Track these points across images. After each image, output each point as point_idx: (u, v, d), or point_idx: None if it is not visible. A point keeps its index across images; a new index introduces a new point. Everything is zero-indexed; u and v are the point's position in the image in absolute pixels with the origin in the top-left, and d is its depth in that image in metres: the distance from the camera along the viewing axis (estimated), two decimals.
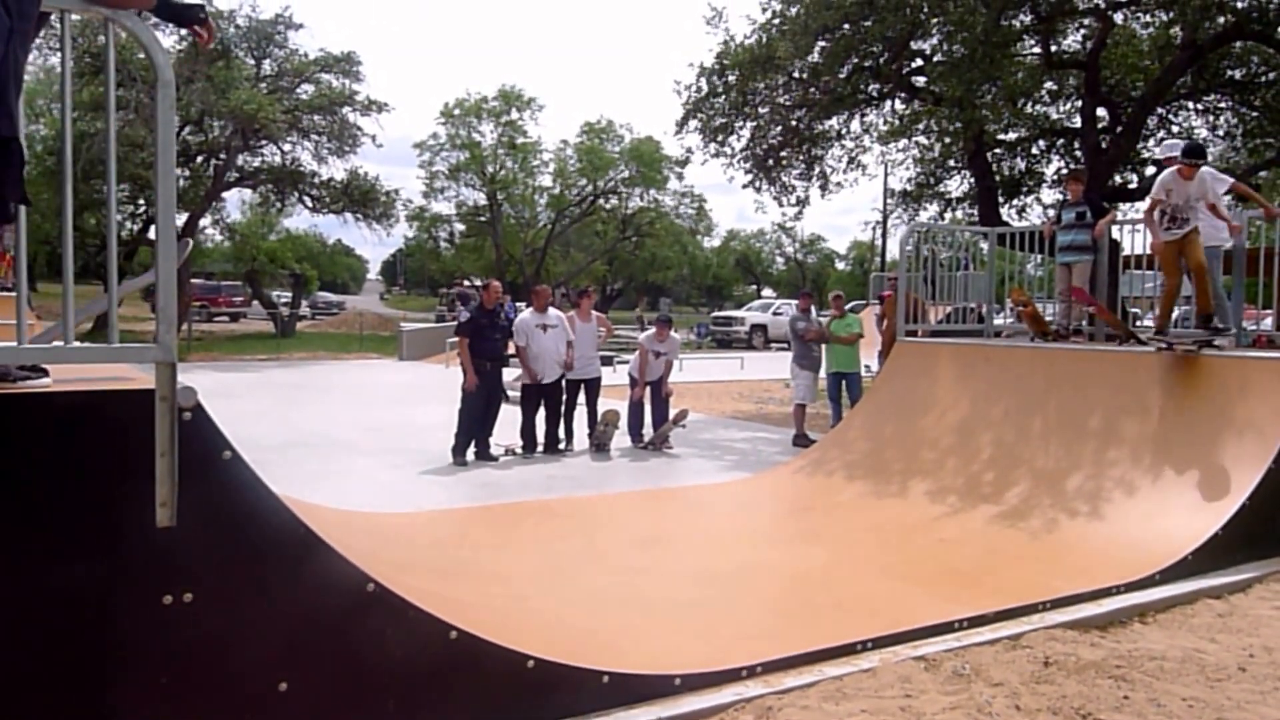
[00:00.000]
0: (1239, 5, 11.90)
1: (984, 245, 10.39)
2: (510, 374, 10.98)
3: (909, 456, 7.68)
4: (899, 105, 16.35)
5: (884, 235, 38.00)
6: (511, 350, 10.25)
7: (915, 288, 9.39)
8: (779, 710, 3.62)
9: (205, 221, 30.95)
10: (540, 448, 9.93)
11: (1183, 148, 7.63)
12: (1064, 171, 13.66)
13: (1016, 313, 9.98)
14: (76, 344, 2.90)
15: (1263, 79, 14.70)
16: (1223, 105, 15.61)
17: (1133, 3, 13.61)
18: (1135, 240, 9.18)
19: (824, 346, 11.42)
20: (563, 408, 10.15)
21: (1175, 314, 11.01)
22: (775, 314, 33.49)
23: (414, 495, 7.76)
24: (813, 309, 11.69)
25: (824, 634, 4.24)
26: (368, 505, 6.96)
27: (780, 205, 17.65)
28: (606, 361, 13.94)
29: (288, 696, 2.96)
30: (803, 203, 17.39)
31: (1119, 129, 14.54)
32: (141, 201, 27.72)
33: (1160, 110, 15.44)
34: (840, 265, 71.96)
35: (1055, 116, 16.37)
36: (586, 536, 6.55)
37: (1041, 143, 16.64)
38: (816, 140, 16.65)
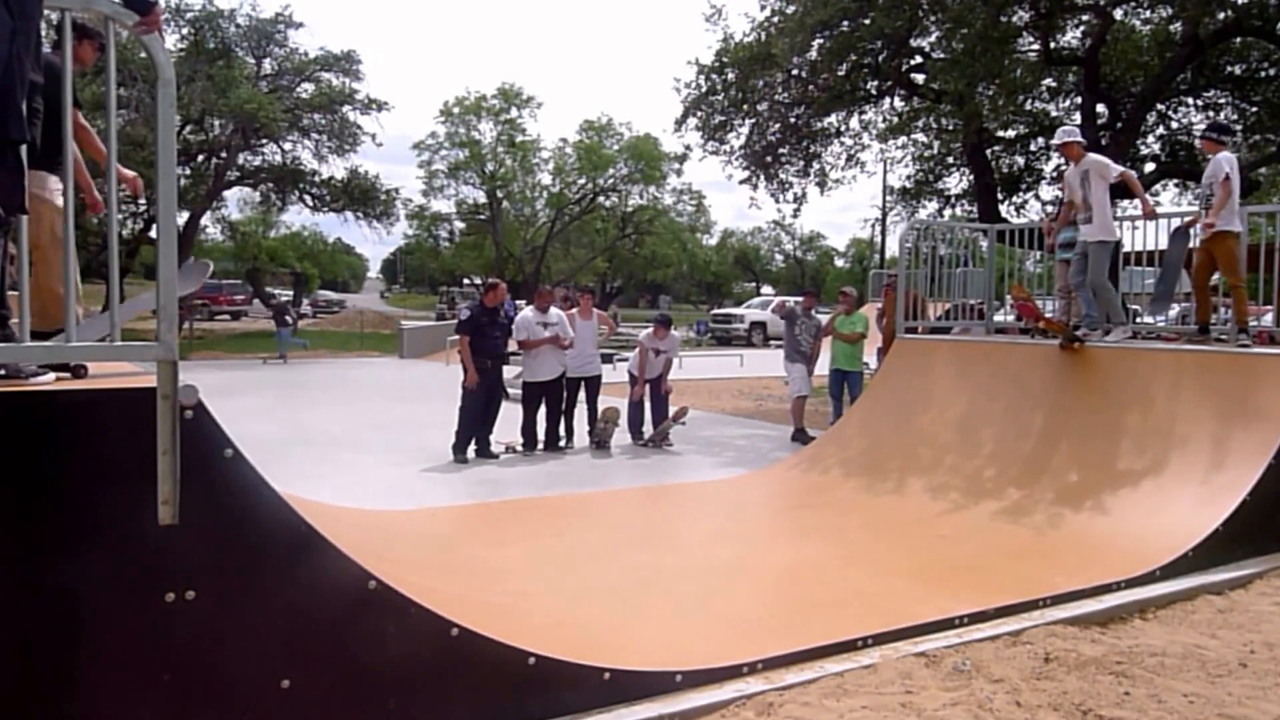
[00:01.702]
0: (1239, 1, 11.90)
1: (983, 242, 10.40)
2: (510, 371, 10.98)
3: (908, 453, 7.68)
4: (898, 102, 16.36)
5: (883, 232, 38.00)
6: (513, 347, 10.26)
7: (915, 284, 9.39)
8: (780, 706, 3.63)
9: (206, 220, 31.02)
10: (541, 445, 9.94)
11: (1208, 124, 7.70)
12: (1063, 168, 13.66)
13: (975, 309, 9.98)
14: (78, 342, 2.91)
15: (1262, 74, 14.70)
16: (1222, 101, 15.60)
17: None
18: (1135, 237, 9.18)
19: (828, 342, 11.40)
20: (563, 405, 10.16)
21: (1175, 311, 11.07)
22: (774, 311, 33.49)
23: (415, 493, 7.76)
24: (813, 310, 11.63)
25: (824, 630, 4.24)
26: (369, 503, 6.97)
27: (778, 202, 17.68)
28: (606, 359, 13.93)
29: (290, 694, 2.97)
30: (800, 200, 17.41)
31: (1119, 125, 14.55)
32: (143, 201, 27.71)
33: (1160, 106, 15.45)
34: (839, 262, 71.97)
35: (1054, 113, 16.38)
36: (587, 533, 6.55)
37: (1040, 139, 16.64)
38: (815, 137, 16.66)
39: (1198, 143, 7.93)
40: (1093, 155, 7.98)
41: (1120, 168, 7.85)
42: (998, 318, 10.21)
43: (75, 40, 3.77)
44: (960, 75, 12.45)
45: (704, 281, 71.60)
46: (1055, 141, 8.32)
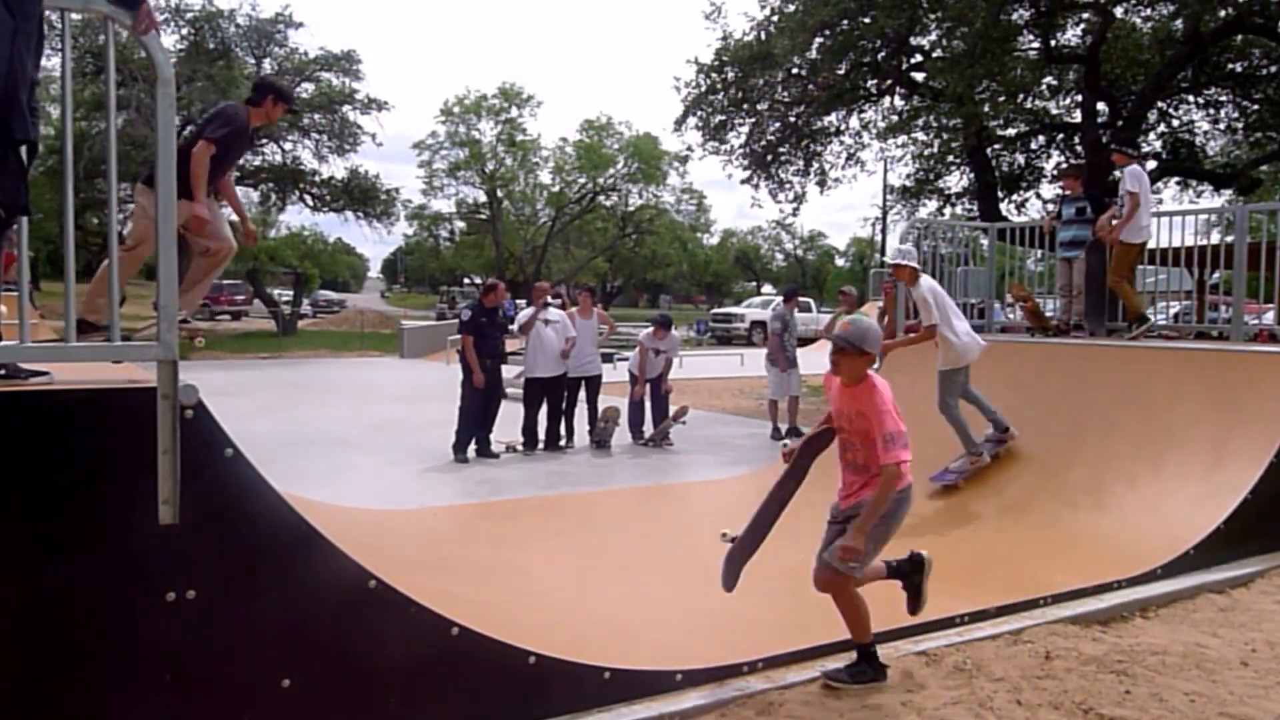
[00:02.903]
0: None
1: (984, 241, 10.39)
2: (510, 371, 10.98)
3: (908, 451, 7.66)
4: (898, 101, 16.34)
5: (884, 231, 37.98)
6: (512, 347, 10.24)
7: None
8: (780, 705, 3.63)
9: None
10: (541, 445, 9.94)
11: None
12: (1063, 166, 13.66)
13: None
14: (79, 342, 2.91)
15: (1263, 72, 14.68)
16: (1223, 99, 15.58)
17: None
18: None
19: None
20: (564, 405, 10.16)
21: (1177, 309, 11.05)
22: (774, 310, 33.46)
23: (415, 492, 7.76)
24: (795, 310, 11.68)
25: (825, 629, 4.23)
26: (369, 502, 6.97)
27: (778, 201, 17.67)
28: (607, 359, 13.92)
29: (290, 693, 2.96)
30: (800, 199, 17.39)
31: (1119, 123, 14.52)
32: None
33: (1160, 104, 15.43)
34: (840, 261, 71.92)
35: (1055, 111, 16.36)
36: (587, 533, 6.55)
37: (1041, 138, 16.63)
38: (815, 136, 16.65)
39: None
40: (925, 283, 7.00)
41: (936, 320, 6.86)
42: (998, 316, 10.22)
43: (271, 101, 4.97)
44: (960, 77, 12.44)
45: (704, 281, 71.58)
46: (890, 260, 7.28)
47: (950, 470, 6.99)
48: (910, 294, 7.22)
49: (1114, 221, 8.04)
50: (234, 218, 5.82)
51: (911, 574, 4.05)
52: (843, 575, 3.81)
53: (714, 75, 16.01)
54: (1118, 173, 8.12)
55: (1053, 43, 14.63)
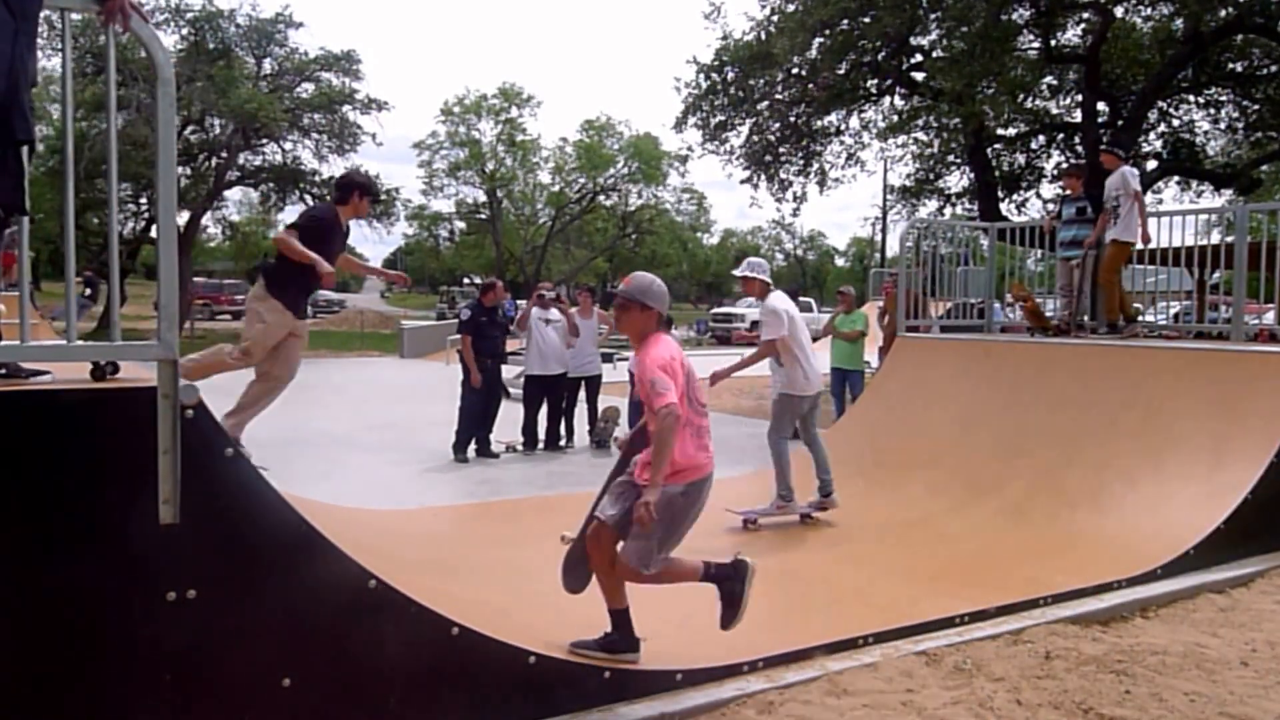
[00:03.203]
0: None
1: (984, 241, 10.40)
2: (510, 371, 10.97)
3: (909, 452, 7.67)
4: (898, 101, 16.35)
5: (884, 231, 38.03)
6: (512, 347, 10.24)
7: (914, 283, 9.38)
8: (780, 705, 3.63)
9: (206, 220, 31.04)
10: (541, 445, 9.93)
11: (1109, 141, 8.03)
12: (1063, 166, 13.67)
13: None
14: (79, 342, 2.91)
15: (1264, 72, 14.69)
16: (1224, 99, 15.59)
17: None
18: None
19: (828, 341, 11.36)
20: (564, 405, 10.16)
21: (1176, 308, 11.07)
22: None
23: (415, 492, 7.76)
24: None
25: (825, 629, 4.24)
26: (369, 502, 6.97)
27: (778, 202, 17.67)
28: (607, 359, 13.92)
29: (291, 692, 2.96)
30: (800, 199, 17.40)
31: (1120, 123, 14.53)
32: (144, 200, 27.75)
33: (1161, 104, 15.44)
34: (840, 261, 72.00)
35: (1055, 111, 16.38)
36: None
37: (1041, 137, 16.63)
38: (815, 136, 16.65)
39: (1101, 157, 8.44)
40: (774, 299, 6.66)
41: (777, 335, 6.51)
42: (998, 316, 10.22)
43: (357, 197, 5.67)
44: (959, 76, 12.45)
45: (704, 281, 71.59)
46: (739, 273, 6.91)
47: (755, 511, 6.60)
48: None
49: (1113, 225, 8.05)
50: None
51: (731, 581, 3.67)
52: (634, 571, 3.55)
53: (714, 75, 16.01)
54: (1114, 176, 8.10)
55: (1053, 43, 14.63)
